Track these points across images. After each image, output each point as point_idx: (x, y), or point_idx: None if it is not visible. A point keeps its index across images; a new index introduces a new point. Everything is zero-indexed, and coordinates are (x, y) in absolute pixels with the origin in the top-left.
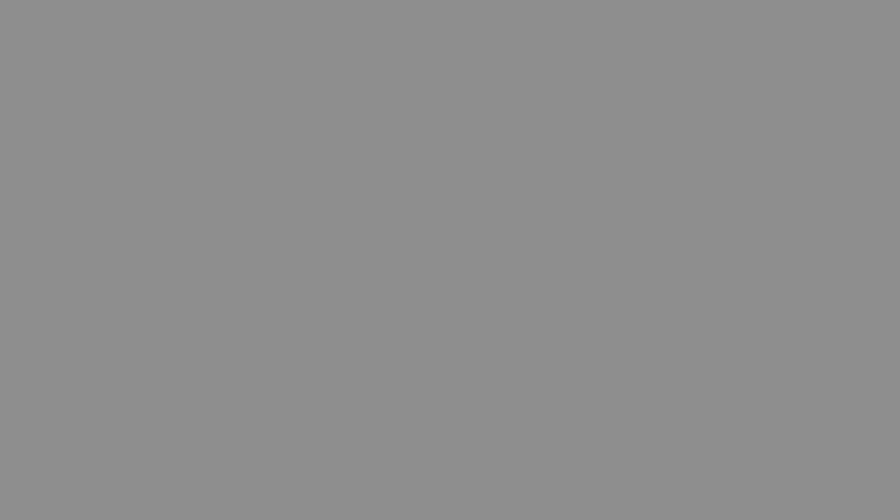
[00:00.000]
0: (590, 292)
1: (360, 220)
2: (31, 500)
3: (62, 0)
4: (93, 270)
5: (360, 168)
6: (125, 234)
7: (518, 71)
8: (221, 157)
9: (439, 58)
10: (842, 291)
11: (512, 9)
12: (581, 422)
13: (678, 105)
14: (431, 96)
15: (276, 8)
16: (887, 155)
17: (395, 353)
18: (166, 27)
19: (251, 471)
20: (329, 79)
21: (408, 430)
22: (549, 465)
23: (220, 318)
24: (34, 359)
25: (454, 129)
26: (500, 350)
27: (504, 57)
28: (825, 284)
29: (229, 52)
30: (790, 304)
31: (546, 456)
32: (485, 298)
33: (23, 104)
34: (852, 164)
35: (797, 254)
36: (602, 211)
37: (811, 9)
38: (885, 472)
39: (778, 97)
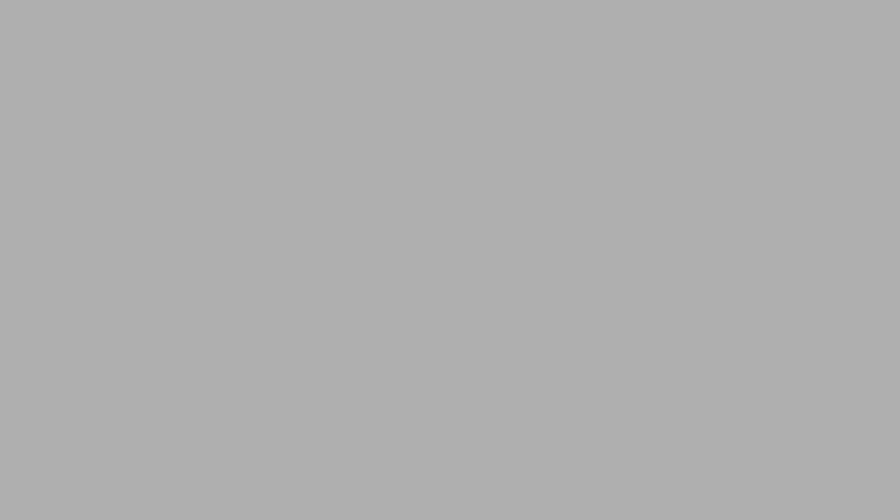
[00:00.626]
0: (589, 294)
1: (360, 221)
2: (31, 500)
3: (62, 0)
4: (93, 271)
5: (361, 169)
6: (125, 235)
7: (518, 71)
8: (221, 158)
9: (439, 58)
10: (842, 291)
11: (512, 9)
12: (581, 422)
13: (678, 105)
14: (431, 96)
15: (276, 8)
16: (887, 155)
17: (394, 353)
18: (166, 27)
19: (251, 471)
20: (329, 79)
21: (408, 430)
22: (550, 466)
23: (220, 319)
24: (34, 359)
25: (454, 130)
26: (500, 351)
27: (504, 57)
28: (825, 285)
29: (229, 53)
30: (790, 305)
31: (546, 456)
32: (485, 300)
33: (23, 104)
34: (852, 164)
35: (797, 254)
36: (602, 212)
37: (811, 9)
38: (886, 472)
39: (778, 97)
